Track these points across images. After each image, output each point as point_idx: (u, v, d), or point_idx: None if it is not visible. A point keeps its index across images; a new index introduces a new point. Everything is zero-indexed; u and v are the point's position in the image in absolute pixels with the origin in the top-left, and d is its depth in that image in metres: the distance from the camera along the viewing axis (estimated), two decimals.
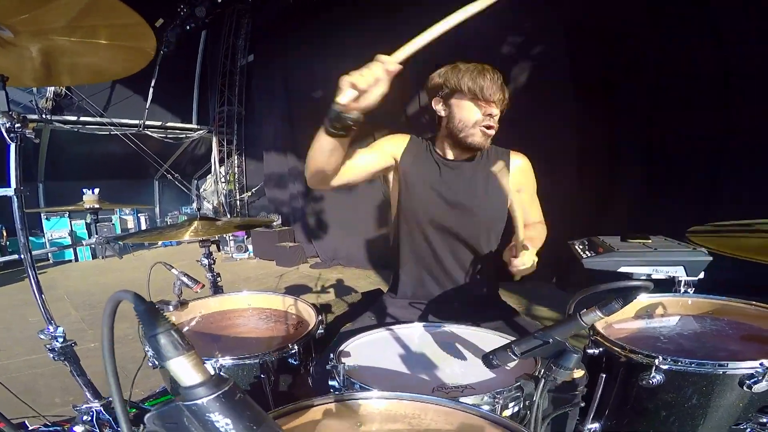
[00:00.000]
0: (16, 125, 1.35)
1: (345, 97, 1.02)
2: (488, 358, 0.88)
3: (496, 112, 1.46)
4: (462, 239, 1.58)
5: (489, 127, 1.47)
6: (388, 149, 1.58)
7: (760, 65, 3.41)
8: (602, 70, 4.42)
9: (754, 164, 3.52)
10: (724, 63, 3.64)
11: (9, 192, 1.41)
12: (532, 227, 1.60)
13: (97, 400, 1.54)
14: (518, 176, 1.61)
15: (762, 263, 1.05)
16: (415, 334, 1.32)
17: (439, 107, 1.55)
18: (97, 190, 2.48)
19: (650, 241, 1.66)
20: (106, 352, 0.52)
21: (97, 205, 2.49)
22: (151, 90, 8.76)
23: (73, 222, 8.47)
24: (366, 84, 1.00)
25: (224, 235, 7.55)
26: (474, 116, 1.46)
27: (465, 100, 1.47)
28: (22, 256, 1.45)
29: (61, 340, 1.49)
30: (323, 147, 1.19)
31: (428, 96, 1.59)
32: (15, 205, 1.42)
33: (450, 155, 1.60)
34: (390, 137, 1.62)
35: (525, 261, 1.26)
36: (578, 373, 1.06)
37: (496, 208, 1.57)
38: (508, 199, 1.56)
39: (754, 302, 1.32)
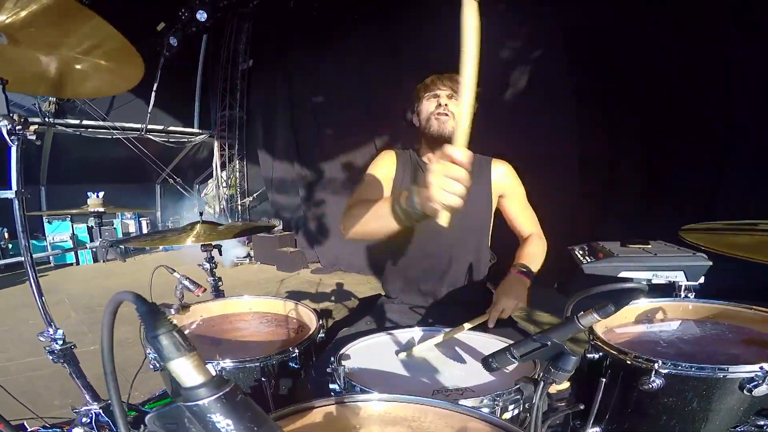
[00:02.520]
0: (17, 127, 1.35)
1: (443, 220, 0.87)
2: (487, 361, 0.88)
3: (445, 101, 1.59)
4: (451, 241, 1.62)
5: (440, 114, 1.58)
6: (386, 173, 1.68)
7: (760, 71, 3.42)
8: (601, 75, 4.43)
9: (754, 170, 3.52)
10: (724, 68, 3.66)
11: (9, 194, 1.40)
12: (529, 243, 1.68)
13: (96, 403, 1.53)
14: (502, 180, 1.69)
15: (759, 263, 1.05)
16: (415, 338, 1.32)
17: (416, 119, 1.70)
18: (102, 194, 2.51)
19: (650, 246, 1.67)
20: (105, 351, 0.52)
21: (101, 209, 2.51)
22: (153, 94, 8.77)
23: (75, 225, 8.48)
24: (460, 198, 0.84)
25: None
26: (429, 109, 1.62)
27: (423, 102, 1.64)
28: (23, 258, 1.45)
29: (60, 342, 1.49)
30: (381, 221, 1.08)
31: (410, 112, 1.74)
32: (16, 207, 1.42)
33: (432, 134, 1.68)
34: (382, 161, 1.71)
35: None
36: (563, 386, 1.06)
37: (479, 207, 1.66)
38: (492, 201, 1.67)
39: (754, 306, 1.32)
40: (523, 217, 1.72)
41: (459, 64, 0.80)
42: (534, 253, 1.63)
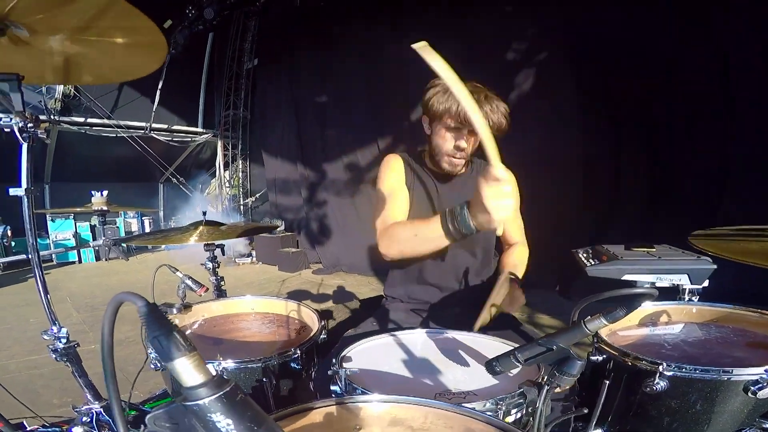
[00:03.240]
0: (29, 125, 1.35)
1: (499, 229, 1.00)
2: (491, 365, 0.87)
3: (464, 145, 1.48)
4: (458, 248, 1.60)
5: (456, 158, 1.52)
6: (401, 180, 1.61)
7: (762, 72, 3.41)
8: (606, 78, 4.42)
9: (758, 173, 3.51)
10: (728, 71, 3.64)
11: (20, 192, 1.41)
12: (514, 251, 1.68)
13: (97, 402, 1.53)
14: None
15: (766, 268, 1.04)
16: (418, 340, 1.32)
17: (426, 125, 1.59)
18: (105, 193, 2.51)
19: (654, 249, 1.65)
20: (105, 352, 0.52)
21: (105, 208, 2.51)
22: (158, 92, 8.80)
23: (77, 224, 8.51)
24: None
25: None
26: (445, 146, 1.50)
27: (442, 127, 1.49)
28: (30, 256, 1.46)
29: (64, 340, 1.49)
30: (434, 243, 1.18)
31: (422, 108, 1.59)
32: (25, 204, 1.42)
33: (442, 168, 1.61)
34: (393, 171, 1.63)
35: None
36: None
37: None
38: None
39: (759, 310, 1.31)
40: (514, 225, 1.74)
41: (460, 75, 0.87)
42: (520, 262, 1.65)
